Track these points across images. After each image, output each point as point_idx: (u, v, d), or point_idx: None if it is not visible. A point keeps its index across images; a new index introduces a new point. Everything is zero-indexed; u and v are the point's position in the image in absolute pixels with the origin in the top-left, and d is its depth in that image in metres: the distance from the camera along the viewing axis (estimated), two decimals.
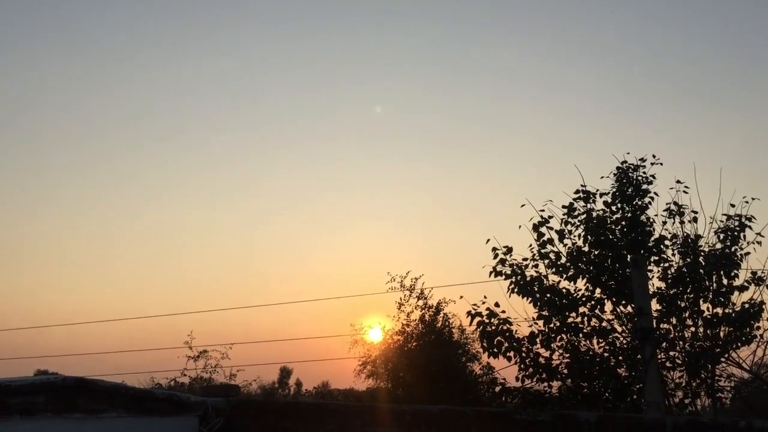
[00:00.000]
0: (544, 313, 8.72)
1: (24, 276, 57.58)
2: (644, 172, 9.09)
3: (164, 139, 64.63)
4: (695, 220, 8.71)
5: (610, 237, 8.79)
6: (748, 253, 8.48)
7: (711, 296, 8.33)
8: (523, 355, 8.70)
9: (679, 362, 8.42)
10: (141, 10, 60.11)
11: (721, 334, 8.25)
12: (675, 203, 8.84)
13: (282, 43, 61.46)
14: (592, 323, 8.64)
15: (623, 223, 8.93)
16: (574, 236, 8.96)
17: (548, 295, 8.70)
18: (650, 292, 7.78)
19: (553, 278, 8.86)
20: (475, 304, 8.91)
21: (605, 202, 9.08)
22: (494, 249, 9.08)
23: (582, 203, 9.06)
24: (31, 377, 4.91)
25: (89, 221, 62.18)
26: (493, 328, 8.74)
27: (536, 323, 8.80)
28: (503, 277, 8.98)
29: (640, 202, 9.00)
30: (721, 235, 8.54)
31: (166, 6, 60.84)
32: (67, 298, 56.58)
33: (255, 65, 63.47)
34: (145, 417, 4.86)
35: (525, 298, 8.83)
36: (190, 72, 62.25)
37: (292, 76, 63.76)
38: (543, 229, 9.04)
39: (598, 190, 9.14)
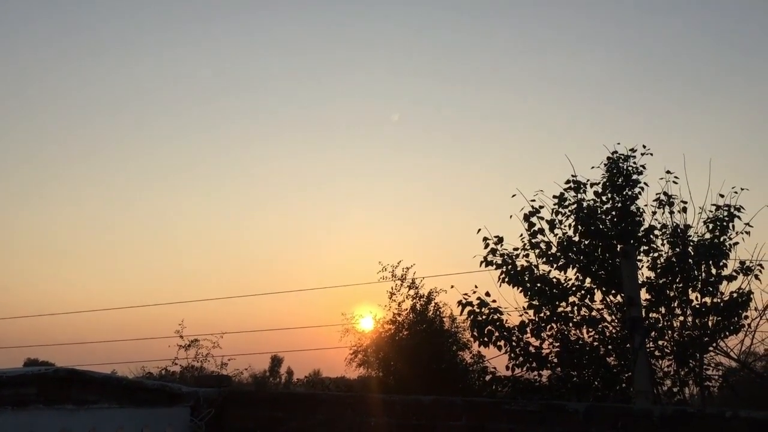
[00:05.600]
0: (534, 302, 8.76)
1: (14, 266, 57.38)
2: (634, 163, 9.13)
3: (157, 129, 64.32)
4: (684, 210, 8.77)
5: (601, 227, 8.83)
6: (736, 243, 8.56)
7: (700, 286, 8.39)
8: (514, 344, 8.75)
9: (668, 351, 8.49)
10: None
11: (710, 323, 8.32)
12: (665, 193, 8.88)
13: (274, 33, 61.15)
14: (582, 313, 8.69)
15: (613, 213, 8.97)
16: (565, 226, 9.00)
17: (538, 285, 8.74)
18: (639, 282, 7.83)
19: (544, 268, 8.92)
20: (465, 294, 8.95)
21: (596, 192, 9.11)
22: (485, 239, 9.11)
23: (573, 193, 9.10)
24: (22, 368, 4.91)
25: (80, 211, 61.97)
26: (484, 317, 8.78)
27: (526, 312, 8.85)
28: (494, 266, 9.01)
29: (630, 192, 9.03)
30: (710, 225, 8.60)
31: None
32: (57, 287, 56.50)
33: (249, 55, 63.15)
34: (136, 408, 4.87)
35: (515, 287, 8.87)
36: (185, 61, 61.92)
37: (285, 67, 63.53)
38: (534, 219, 9.08)
39: (588, 180, 9.19)
